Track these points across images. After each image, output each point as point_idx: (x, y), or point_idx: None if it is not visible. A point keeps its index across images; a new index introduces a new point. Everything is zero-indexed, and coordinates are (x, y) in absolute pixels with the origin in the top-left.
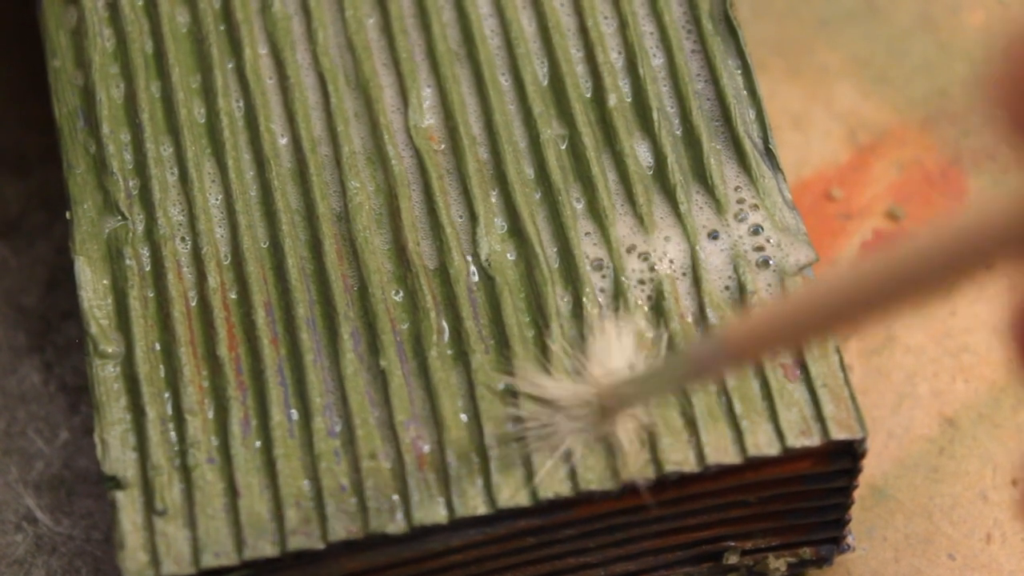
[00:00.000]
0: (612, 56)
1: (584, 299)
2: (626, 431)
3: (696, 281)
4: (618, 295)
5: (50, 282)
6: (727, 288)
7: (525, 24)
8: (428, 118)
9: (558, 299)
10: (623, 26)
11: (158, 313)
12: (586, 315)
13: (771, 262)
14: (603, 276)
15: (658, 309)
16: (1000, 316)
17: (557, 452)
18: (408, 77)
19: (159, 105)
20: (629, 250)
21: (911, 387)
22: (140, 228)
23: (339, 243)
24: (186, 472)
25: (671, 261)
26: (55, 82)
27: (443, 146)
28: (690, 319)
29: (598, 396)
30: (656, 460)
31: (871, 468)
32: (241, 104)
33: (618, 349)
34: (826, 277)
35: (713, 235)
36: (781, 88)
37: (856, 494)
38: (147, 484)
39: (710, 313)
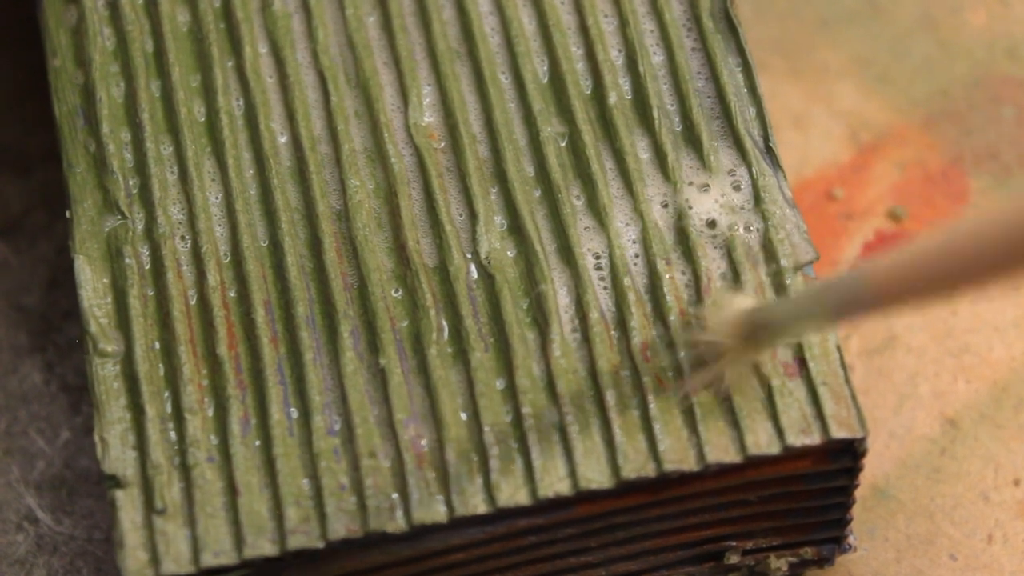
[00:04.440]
0: (612, 54)
1: (584, 296)
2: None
3: (695, 276)
4: (618, 291)
5: (51, 282)
6: (727, 285)
7: (525, 22)
8: (428, 116)
9: (558, 296)
10: (623, 24)
11: (158, 312)
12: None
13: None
14: (602, 273)
15: (657, 302)
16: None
17: (710, 378)
18: (408, 75)
19: (159, 104)
20: (628, 245)
21: (912, 387)
22: (140, 227)
23: (339, 241)
24: (186, 471)
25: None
26: (55, 81)
27: (443, 144)
28: (690, 312)
29: (739, 324)
30: (656, 459)
31: (873, 468)
32: (241, 103)
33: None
34: (983, 218)
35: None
36: (782, 88)
37: (858, 494)
38: (147, 483)
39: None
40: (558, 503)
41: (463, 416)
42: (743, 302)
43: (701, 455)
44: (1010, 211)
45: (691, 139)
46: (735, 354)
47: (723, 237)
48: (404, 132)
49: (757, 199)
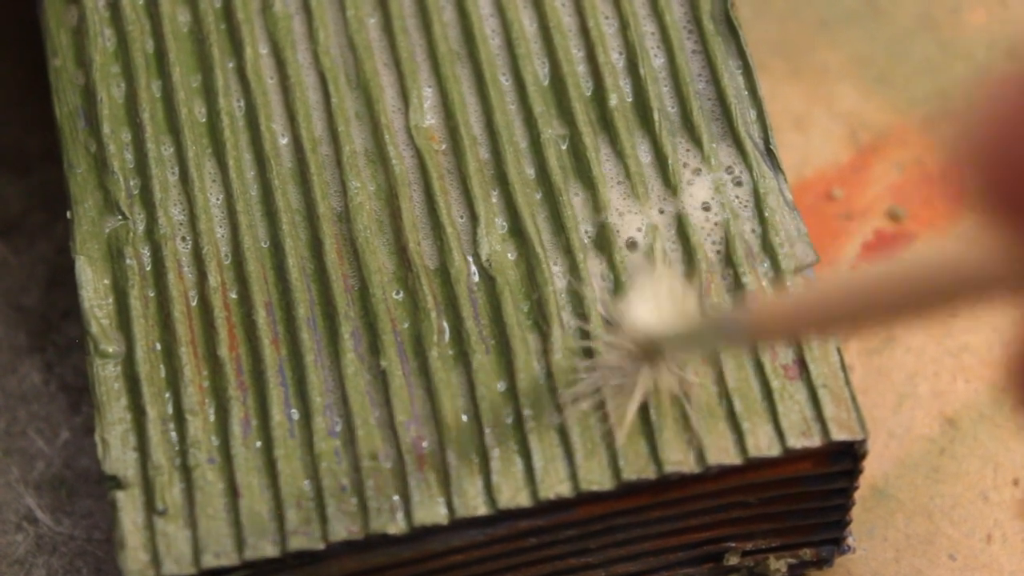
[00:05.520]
0: (613, 56)
1: (585, 298)
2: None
3: (696, 278)
4: (620, 294)
5: (51, 281)
6: (728, 287)
7: (526, 24)
8: (429, 118)
9: (559, 299)
10: (624, 26)
11: (159, 313)
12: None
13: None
14: (604, 275)
15: None
16: (1001, 319)
17: (630, 403)
18: (409, 77)
19: (160, 105)
20: (630, 247)
21: (912, 387)
22: (141, 228)
23: (340, 243)
24: (187, 472)
25: (673, 259)
26: (56, 81)
27: (444, 146)
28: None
29: (638, 346)
30: (657, 461)
31: (872, 468)
32: (242, 104)
33: (657, 302)
34: (862, 272)
35: None
36: (782, 88)
37: (857, 494)
38: (148, 484)
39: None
40: (559, 505)
41: (464, 418)
42: (657, 308)
43: (701, 457)
44: (884, 270)
45: (692, 141)
46: (645, 372)
47: (723, 239)
48: (405, 134)
49: (758, 201)
